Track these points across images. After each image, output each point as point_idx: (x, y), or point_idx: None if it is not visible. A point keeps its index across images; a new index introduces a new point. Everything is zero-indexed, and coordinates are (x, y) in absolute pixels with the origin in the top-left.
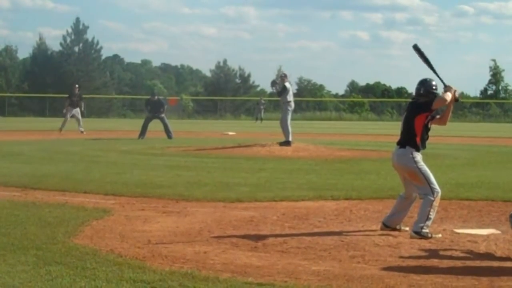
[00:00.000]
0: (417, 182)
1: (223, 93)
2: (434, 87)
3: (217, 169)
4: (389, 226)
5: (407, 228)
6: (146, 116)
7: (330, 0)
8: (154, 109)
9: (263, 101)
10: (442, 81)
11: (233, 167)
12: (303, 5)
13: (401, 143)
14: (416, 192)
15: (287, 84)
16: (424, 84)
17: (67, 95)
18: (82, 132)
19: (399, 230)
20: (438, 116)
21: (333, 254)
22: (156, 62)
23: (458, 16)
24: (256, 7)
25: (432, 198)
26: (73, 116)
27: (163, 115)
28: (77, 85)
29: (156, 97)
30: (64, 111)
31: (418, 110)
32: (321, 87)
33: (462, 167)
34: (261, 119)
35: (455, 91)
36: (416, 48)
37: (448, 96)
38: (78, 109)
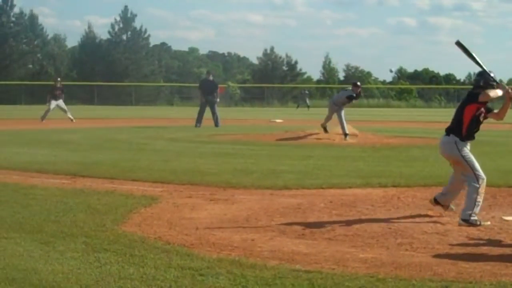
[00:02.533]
0: (463, 169)
1: (270, 80)
2: (492, 79)
3: (264, 156)
4: (439, 203)
5: (453, 207)
6: (201, 102)
7: None
8: (207, 91)
9: (307, 91)
10: (493, 78)
11: (280, 154)
12: None
13: (447, 131)
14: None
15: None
16: (484, 76)
17: (50, 88)
18: (72, 120)
19: (448, 208)
20: (495, 111)
21: (381, 241)
22: (203, 50)
23: (506, 1)
24: None
25: (477, 185)
26: (59, 107)
27: (216, 100)
28: (58, 79)
29: (211, 77)
30: (47, 103)
31: (470, 100)
32: (368, 74)
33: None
34: (308, 107)
35: (507, 90)
36: (459, 44)
37: (496, 93)
38: (61, 101)
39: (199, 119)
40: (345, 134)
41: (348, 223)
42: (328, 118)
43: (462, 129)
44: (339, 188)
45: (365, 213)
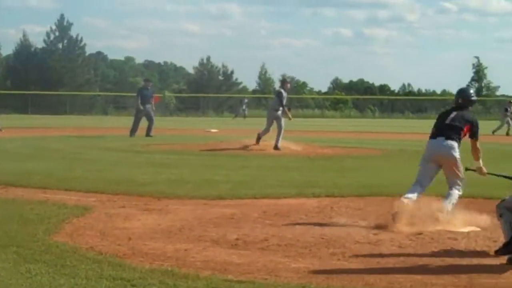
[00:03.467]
0: (452, 173)
1: (206, 90)
2: (472, 96)
3: (199, 166)
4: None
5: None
6: (138, 110)
7: None
8: (146, 100)
9: (246, 100)
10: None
11: (215, 164)
12: (285, 2)
13: (447, 136)
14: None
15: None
16: (461, 94)
17: None
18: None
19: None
20: (475, 141)
21: (314, 251)
22: (139, 59)
23: (441, 13)
24: (239, 4)
25: (460, 193)
26: None
27: (153, 109)
28: None
29: (151, 84)
30: None
31: (468, 123)
32: (304, 84)
33: None
34: (245, 116)
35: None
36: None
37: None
38: None
39: (134, 129)
40: (276, 147)
41: (282, 233)
42: (266, 130)
43: (461, 138)
44: (273, 198)
45: (298, 223)
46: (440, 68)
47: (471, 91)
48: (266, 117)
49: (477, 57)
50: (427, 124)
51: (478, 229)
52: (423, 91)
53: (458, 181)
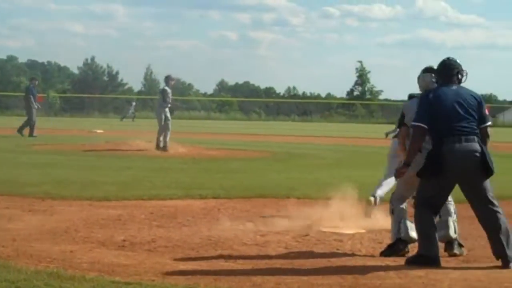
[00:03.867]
0: None
1: (91, 90)
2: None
3: (84, 167)
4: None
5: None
6: (30, 107)
7: (199, 0)
8: (35, 97)
9: (134, 103)
10: None
11: (100, 165)
12: (171, 4)
13: None
14: None
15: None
16: None
17: None
18: None
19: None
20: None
21: (201, 252)
22: (22, 59)
23: (324, 18)
24: (124, 4)
25: None
26: None
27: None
28: None
29: (37, 82)
30: None
31: None
32: (190, 86)
33: (328, 167)
34: (133, 118)
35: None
36: None
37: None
38: None
39: (24, 126)
40: (158, 146)
41: (169, 234)
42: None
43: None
44: (160, 200)
45: (185, 224)
46: (325, 71)
47: None
48: (155, 117)
49: (360, 61)
50: (312, 127)
51: (363, 230)
52: (308, 94)
53: None
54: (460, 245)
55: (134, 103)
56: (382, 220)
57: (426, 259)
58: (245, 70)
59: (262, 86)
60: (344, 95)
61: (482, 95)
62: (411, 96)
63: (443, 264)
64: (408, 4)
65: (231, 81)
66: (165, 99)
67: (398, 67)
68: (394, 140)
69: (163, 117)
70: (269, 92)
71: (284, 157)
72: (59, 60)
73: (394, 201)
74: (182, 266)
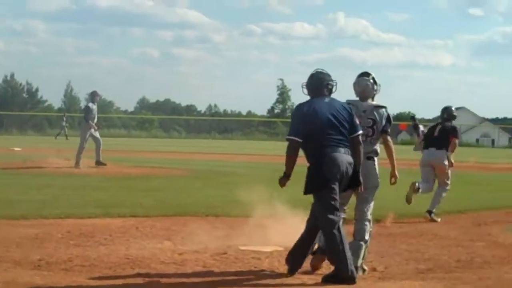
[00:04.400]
0: (443, 176)
1: (10, 107)
2: (454, 112)
3: (2, 185)
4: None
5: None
6: None
7: (120, 16)
8: None
9: (64, 118)
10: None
11: (18, 183)
12: (92, 20)
13: (439, 147)
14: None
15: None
16: (446, 110)
17: None
18: None
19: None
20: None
21: (118, 271)
22: None
23: (246, 36)
24: (44, 21)
25: (448, 188)
26: None
27: None
28: None
29: None
30: None
31: (453, 133)
32: (110, 103)
33: (248, 184)
34: (66, 136)
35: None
36: None
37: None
38: None
39: None
40: (99, 161)
41: (86, 253)
42: (81, 148)
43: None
44: (78, 218)
45: (103, 243)
46: (246, 89)
47: (453, 108)
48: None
49: (281, 79)
50: (233, 145)
51: (281, 248)
52: (229, 112)
53: (447, 181)
54: (364, 270)
55: (65, 119)
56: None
57: (341, 278)
58: (166, 87)
59: (183, 104)
60: (265, 112)
61: (400, 113)
62: (348, 103)
63: (360, 281)
64: (330, 23)
65: (152, 99)
66: (88, 115)
67: None
68: (424, 151)
69: (87, 134)
70: (190, 109)
71: (204, 175)
72: None
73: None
74: (99, 285)
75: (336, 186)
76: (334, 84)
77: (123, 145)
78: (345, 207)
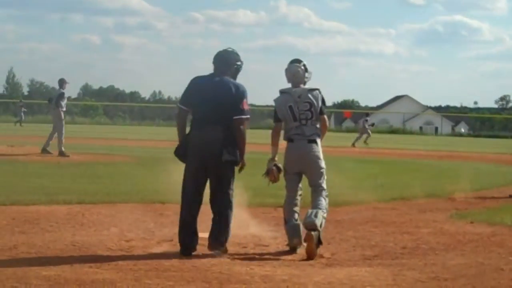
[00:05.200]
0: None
1: None
2: None
3: None
4: None
5: None
6: None
7: (60, 2)
8: None
9: (21, 103)
10: None
11: None
12: (32, 6)
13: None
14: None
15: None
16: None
17: None
18: None
19: None
20: None
21: (65, 258)
22: None
23: (190, 23)
24: None
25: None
26: None
27: None
28: None
29: None
30: None
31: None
32: (53, 89)
33: None
34: (20, 123)
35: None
36: None
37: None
38: None
39: None
40: (61, 152)
41: (31, 240)
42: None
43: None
44: (22, 205)
45: (49, 230)
46: (190, 76)
47: None
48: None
49: None
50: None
51: None
52: (173, 98)
53: None
54: (319, 241)
55: (21, 105)
56: (253, 226)
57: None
58: (109, 74)
59: (127, 91)
60: None
61: (344, 101)
62: (281, 92)
63: (307, 267)
64: (272, 10)
65: (95, 85)
66: (60, 101)
67: (262, 72)
68: None
69: (63, 119)
70: (134, 96)
71: (149, 161)
72: None
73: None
74: (45, 272)
75: (190, 161)
76: (241, 64)
77: (67, 132)
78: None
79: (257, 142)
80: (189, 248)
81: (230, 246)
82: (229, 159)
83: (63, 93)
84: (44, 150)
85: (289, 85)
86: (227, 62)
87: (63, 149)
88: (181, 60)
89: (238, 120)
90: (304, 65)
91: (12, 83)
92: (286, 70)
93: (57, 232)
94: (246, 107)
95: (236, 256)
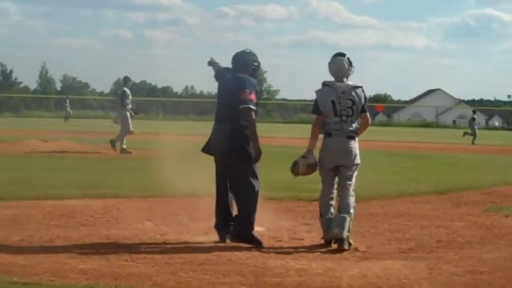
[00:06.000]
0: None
1: None
2: None
3: None
4: None
5: None
6: None
7: None
8: None
9: (68, 100)
10: None
11: None
12: (63, 2)
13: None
14: None
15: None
16: None
17: None
18: None
19: None
20: None
21: (100, 252)
22: None
23: (219, 18)
24: (16, 2)
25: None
26: None
27: None
28: None
29: None
30: None
31: None
32: (86, 85)
33: None
34: (67, 118)
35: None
36: None
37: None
38: None
39: None
40: (122, 149)
41: (67, 234)
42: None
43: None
44: (57, 199)
45: (84, 224)
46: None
47: None
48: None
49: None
50: (210, 126)
51: (263, 229)
52: (205, 93)
53: None
54: (349, 243)
55: (68, 101)
56: (282, 219)
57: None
58: (141, 69)
59: (159, 86)
60: None
61: (377, 95)
62: (324, 84)
63: (342, 261)
64: (302, 5)
65: None
66: (124, 100)
67: (293, 67)
68: None
69: (128, 117)
70: (166, 91)
71: (184, 155)
72: None
73: None
74: (82, 265)
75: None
76: (258, 65)
77: (100, 126)
78: None
79: (290, 136)
80: (222, 227)
81: (265, 240)
82: (235, 157)
83: (124, 91)
84: (123, 150)
85: (331, 78)
86: (245, 63)
87: (124, 146)
88: (212, 55)
89: (242, 109)
90: (348, 59)
91: (45, 79)
92: (330, 63)
93: (93, 226)
94: (248, 97)
95: (271, 250)
